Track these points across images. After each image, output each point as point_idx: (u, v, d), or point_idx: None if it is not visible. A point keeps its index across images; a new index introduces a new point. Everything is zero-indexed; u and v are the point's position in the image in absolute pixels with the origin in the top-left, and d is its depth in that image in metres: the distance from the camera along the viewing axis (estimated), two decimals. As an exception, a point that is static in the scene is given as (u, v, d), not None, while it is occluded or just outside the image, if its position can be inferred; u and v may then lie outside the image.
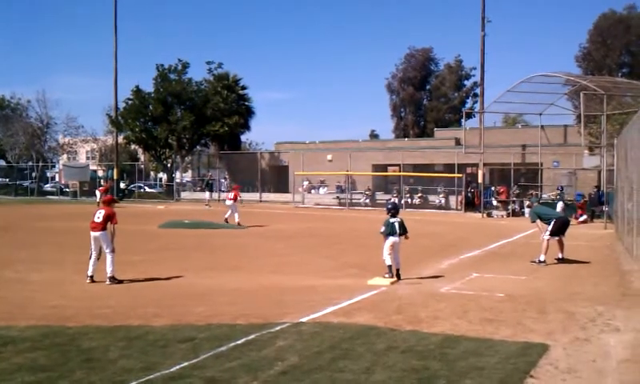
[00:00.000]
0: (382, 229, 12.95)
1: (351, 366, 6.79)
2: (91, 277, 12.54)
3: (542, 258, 15.57)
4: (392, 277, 12.64)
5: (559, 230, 15.88)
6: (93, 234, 12.61)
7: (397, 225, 12.86)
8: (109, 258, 12.49)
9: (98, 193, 38.73)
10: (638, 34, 56.93)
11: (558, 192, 33.71)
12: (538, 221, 16.25)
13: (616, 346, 7.78)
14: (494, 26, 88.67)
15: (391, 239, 12.75)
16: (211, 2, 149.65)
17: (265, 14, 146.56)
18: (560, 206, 28.61)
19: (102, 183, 47.47)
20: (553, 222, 15.83)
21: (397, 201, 39.33)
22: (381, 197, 45.18)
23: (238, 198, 28.15)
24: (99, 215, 12.62)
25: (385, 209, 14.04)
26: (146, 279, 12.94)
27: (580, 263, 15.90)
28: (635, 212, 15.36)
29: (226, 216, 27.20)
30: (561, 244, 15.98)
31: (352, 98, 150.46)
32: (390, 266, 12.74)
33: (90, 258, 12.65)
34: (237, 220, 26.58)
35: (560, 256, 15.95)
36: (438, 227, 24.94)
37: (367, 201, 43.66)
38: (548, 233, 15.74)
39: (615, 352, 7.51)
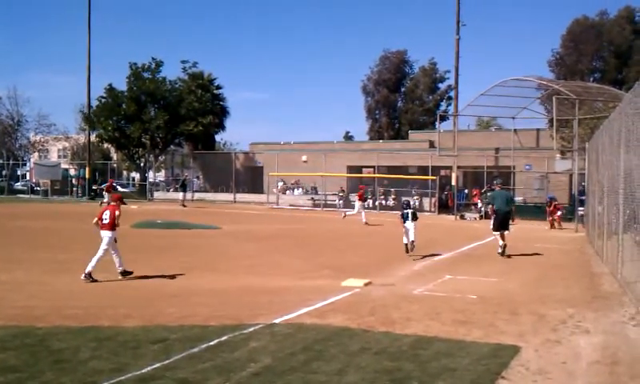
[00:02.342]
0: (400, 216, 17.36)
1: (324, 367, 6.78)
2: (88, 274, 12.47)
3: (499, 249, 17.58)
4: (407, 252, 16.98)
5: (501, 225, 17.82)
6: (102, 232, 12.77)
7: (410, 213, 17.11)
8: (97, 256, 12.57)
9: (105, 194, 38.09)
10: (610, 40, 57.76)
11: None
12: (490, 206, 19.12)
13: (586, 347, 7.88)
14: (468, 29, 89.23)
15: (405, 224, 17.03)
16: (186, 1, 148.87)
17: (240, 14, 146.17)
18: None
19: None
20: (495, 216, 18.23)
21: (370, 203, 39.63)
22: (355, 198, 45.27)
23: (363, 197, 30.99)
24: (106, 215, 12.78)
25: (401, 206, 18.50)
26: (117, 279, 12.78)
27: (547, 265, 16.10)
28: (605, 215, 15.58)
29: (350, 213, 29.90)
30: (502, 238, 17.64)
31: (327, 100, 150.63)
32: (405, 245, 17.13)
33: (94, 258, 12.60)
34: (364, 220, 29.16)
35: (503, 249, 17.59)
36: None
37: (341, 202, 43.48)
38: (492, 227, 18.16)
39: (585, 354, 7.60)
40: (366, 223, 28.95)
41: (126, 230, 21.32)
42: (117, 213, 12.92)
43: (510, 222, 18.42)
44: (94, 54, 56.16)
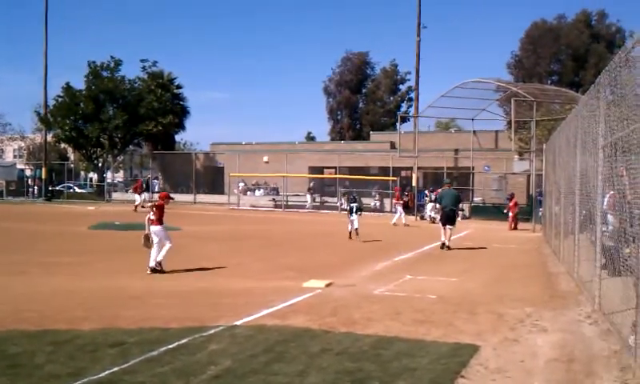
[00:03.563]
0: (347, 209, 22.69)
1: (285, 369, 6.75)
2: (152, 268, 13.63)
3: (446, 242, 19.50)
4: (350, 238, 21.44)
5: (445, 221, 19.88)
6: (151, 227, 13.88)
7: (354, 207, 21.80)
8: (163, 250, 13.76)
9: (136, 196, 36.87)
10: (567, 43, 58.87)
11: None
12: (437, 204, 21.98)
13: (543, 346, 7.99)
14: (429, 31, 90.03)
15: (351, 216, 21.74)
16: (147, 0, 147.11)
17: (202, 13, 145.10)
18: (430, 206, 33.68)
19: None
20: (442, 212, 20.50)
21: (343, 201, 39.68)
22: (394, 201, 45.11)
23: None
24: (153, 212, 14.02)
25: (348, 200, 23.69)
26: (75, 282, 12.55)
27: (505, 264, 16.33)
28: (562, 216, 15.87)
29: (394, 221, 30.41)
30: (447, 232, 19.65)
31: (289, 100, 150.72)
32: (350, 232, 21.67)
33: (152, 251, 13.74)
34: (404, 221, 30.18)
35: (444, 241, 19.54)
36: (372, 229, 25.14)
37: (311, 203, 42.38)
38: (440, 221, 20.69)
39: (543, 352, 7.71)
40: (406, 224, 29.91)
41: (83, 231, 21.12)
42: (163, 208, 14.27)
43: (457, 218, 20.99)
44: (51, 52, 55.12)
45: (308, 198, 42.78)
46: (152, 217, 13.94)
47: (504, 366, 7.02)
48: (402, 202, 31.65)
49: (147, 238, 14.05)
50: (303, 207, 42.37)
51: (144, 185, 37.88)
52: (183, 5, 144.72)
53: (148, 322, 8.83)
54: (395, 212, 31.41)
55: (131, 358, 7.00)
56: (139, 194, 36.34)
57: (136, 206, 34.94)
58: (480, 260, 17.43)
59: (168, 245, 13.87)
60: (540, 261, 17.65)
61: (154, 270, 13.66)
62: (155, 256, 13.75)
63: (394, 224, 29.77)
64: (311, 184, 45.08)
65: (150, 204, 16.26)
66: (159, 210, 14.03)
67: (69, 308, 9.92)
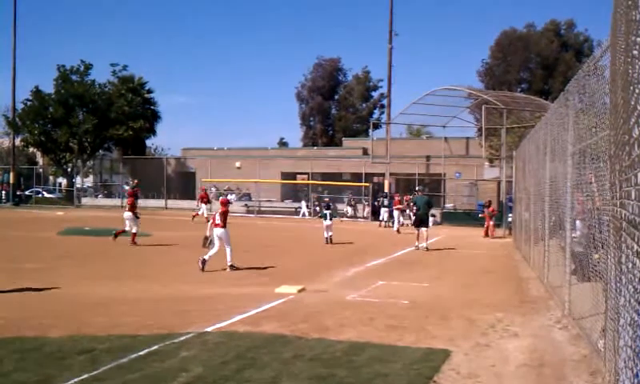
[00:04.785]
0: (320, 215, 23.53)
1: (257, 375, 6.70)
2: (204, 260, 15.01)
3: (418, 245, 21.18)
4: (327, 243, 22.27)
5: (418, 224, 21.56)
6: (215, 230, 15.42)
7: (327, 213, 23.02)
8: (228, 250, 15.35)
9: (202, 205, 35.43)
10: (537, 52, 59.60)
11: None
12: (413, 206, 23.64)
13: (514, 350, 8.05)
14: (401, 38, 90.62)
15: (324, 222, 23.12)
16: (117, 3, 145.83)
17: (173, 17, 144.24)
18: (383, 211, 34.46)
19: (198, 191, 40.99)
20: (415, 216, 22.20)
21: (306, 208, 39.58)
22: (290, 205, 45.10)
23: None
24: (218, 216, 15.57)
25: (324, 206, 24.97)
26: (43, 288, 12.33)
27: (477, 270, 16.46)
28: (532, 222, 16.03)
29: (397, 224, 31.03)
30: (422, 235, 21.24)
31: (262, 106, 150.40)
32: (326, 238, 22.63)
33: (212, 249, 15.44)
34: (395, 227, 30.91)
35: (417, 244, 21.25)
36: (344, 235, 25.17)
37: (305, 210, 41.49)
38: (413, 224, 22.82)
39: (514, 357, 7.76)
40: (397, 231, 30.16)
41: (52, 237, 20.81)
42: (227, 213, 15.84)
43: (430, 222, 22.65)
44: (20, 55, 54.36)
45: (303, 205, 41.97)
46: (217, 221, 15.46)
47: (476, 371, 7.05)
48: (400, 207, 31.74)
49: (206, 238, 16.02)
50: (274, 213, 42.00)
51: (209, 195, 36.57)
52: (154, 9, 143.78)
53: (116, 330, 8.71)
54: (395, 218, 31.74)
55: (101, 365, 6.90)
56: (205, 204, 35.10)
57: (206, 216, 32.89)
58: (451, 265, 17.53)
59: (229, 248, 15.36)
60: (510, 266, 17.80)
61: (232, 267, 15.32)
62: (231, 255, 15.38)
63: (397, 231, 30.13)
64: (306, 189, 44.52)
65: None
66: (224, 216, 15.55)
67: (36, 315, 9.74)
